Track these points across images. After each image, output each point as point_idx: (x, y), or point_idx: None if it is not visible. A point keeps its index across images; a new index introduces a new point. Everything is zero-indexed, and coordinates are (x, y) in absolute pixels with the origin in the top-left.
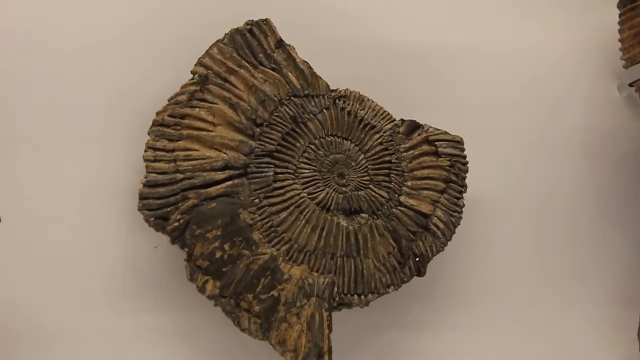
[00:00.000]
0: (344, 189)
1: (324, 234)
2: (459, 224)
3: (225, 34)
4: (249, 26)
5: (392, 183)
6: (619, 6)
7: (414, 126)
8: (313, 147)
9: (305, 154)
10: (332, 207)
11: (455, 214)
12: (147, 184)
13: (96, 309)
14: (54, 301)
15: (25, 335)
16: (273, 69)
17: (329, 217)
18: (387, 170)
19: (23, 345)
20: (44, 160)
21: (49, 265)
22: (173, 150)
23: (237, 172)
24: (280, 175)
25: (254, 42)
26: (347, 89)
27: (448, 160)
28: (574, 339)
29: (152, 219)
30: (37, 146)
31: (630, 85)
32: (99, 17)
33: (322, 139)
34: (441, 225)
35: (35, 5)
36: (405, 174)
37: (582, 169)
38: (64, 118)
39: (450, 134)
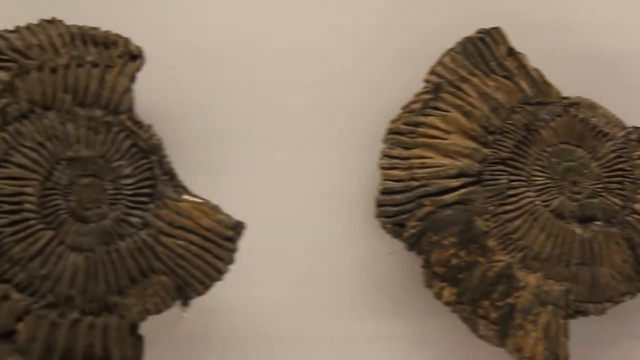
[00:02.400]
0: (577, 196)
1: (558, 241)
2: None
3: (457, 43)
4: (481, 34)
5: (626, 191)
6: None
7: None
8: (546, 154)
9: (538, 162)
10: (566, 215)
11: None
12: (384, 192)
13: (332, 314)
14: (291, 305)
15: (262, 339)
16: (505, 77)
17: (563, 225)
18: (620, 178)
19: (259, 349)
20: (281, 168)
21: (287, 269)
22: (408, 158)
23: (471, 179)
24: (514, 183)
25: (486, 50)
26: (578, 96)
27: None
28: None
29: (389, 225)
30: (274, 154)
31: None
32: (333, 26)
33: (554, 147)
34: None
35: (272, 9)
36: (639, 181)
37: None
38: (302, 128)
39: None
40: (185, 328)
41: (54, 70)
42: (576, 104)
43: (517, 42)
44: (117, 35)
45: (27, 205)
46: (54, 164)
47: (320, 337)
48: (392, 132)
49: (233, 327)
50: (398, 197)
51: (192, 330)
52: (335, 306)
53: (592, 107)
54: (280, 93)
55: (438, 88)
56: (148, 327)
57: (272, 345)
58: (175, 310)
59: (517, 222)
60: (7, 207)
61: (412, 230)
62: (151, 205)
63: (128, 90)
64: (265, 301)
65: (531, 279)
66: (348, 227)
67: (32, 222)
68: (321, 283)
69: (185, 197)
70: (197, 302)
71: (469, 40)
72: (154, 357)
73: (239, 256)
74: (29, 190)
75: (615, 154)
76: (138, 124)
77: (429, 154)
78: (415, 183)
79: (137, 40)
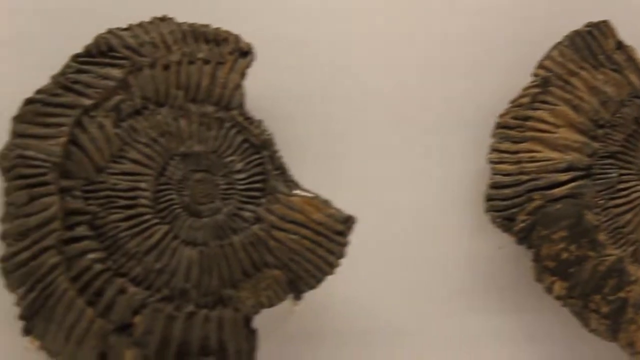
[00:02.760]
0: None
1: None
2: None
3: (566, 36)
4: (589, 28)
5: None
6: None
7: None
8: None
9: None
10: None
11: None
12: (493, 186)
13: (441, 308)
14: (400, 300)
15: (372, 333)
16: (614, 70)
17: None
18: None
19: (369, 343)
20: (390, 164)
21: (396, 264)
22: (517, 152)
23: (581, 173)
24: (624, 177)
25: (594, 44)
26: None
27: None
28: None
29: (499, 219)
30: (383, 150)
31: None
32: (443, 21)
33: None
34: None
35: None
36: None
37: None
38: (410, 124)
39: None
40: (297, 322)
41: (166, 67)
42: None
43: (626, 35)
44: (228, 32)
45: (142, 200)
46: (168, 159)
47: (429, 331)
48: (500, 126)
49: (343, 321)
50: (507, 191)
51: (303, 324)
52: (444, 300)
53: None
54: (390, 88)
55: (546, 82)
56: (260, 321)
57: (381, 339)
58: (286, 304)
59: (628, 216)
60: (122, 202)
61: (522, 225)
62: (263, 200)
63: (239, 86)
64: (375, 295)
65: None
66: (457, 221)
67: (147, 216)
68: (430, 277)
69: (297, 191)
70: (308, 296)
71: (577, 33)
72: (267, 350)
73: (349, 250)
74: (143, 185)
75: None
76: (249, 119)
77: (537, 147)
78: (525, 177)
79: (246, 37)
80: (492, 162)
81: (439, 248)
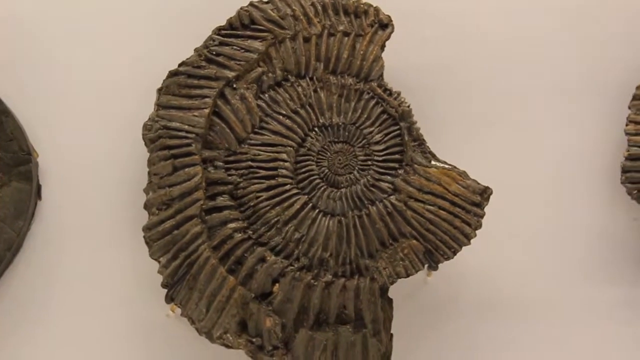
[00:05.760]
0: None
1: None
2: None
3: None
4: None
5: None
6: None
7: None
8: None
9: None
10: None
11: None
12: (630, 158)
13: (575, 280)
14: (534, 271)
15: (505, 303)
16: None
17: None
18: None
19: (503, 314)
20: (525, 134)
21: (531, 235)
22: None
23: None
24: None
25: None
26: None
27: None
28: None
29: (635, 191)
30: (519, 121)
31: None
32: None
33: None
34: None
35: None
36: None
37: None
38: (547, 94)
39: None
40: (431, 292)
41: (307, 40)
42: None
43: None
44: (368, 4)
45: (282, 171)
46: (307, 130)
47: (562, 302)
48: (637, 98)
49: (478, 291)
50: None
51: (437, 293)
52: (577, 272)
53: None
54: (525, 61)
55: None
56: (394, 291)
57: (514, 309)
58: (420, 274)
59: None
60: (263, 172)
61: None
62: (400, 171)
63: (378, 58)
64: (508, 266)
65: None
66: (592, 193)
67: (287, 187)
68: (565, 248)
69: (434, 163)
70: (442, 267)
71: None
72: (402, 319)
73: (484, 221)
74: (283, 156)
75: None
76: (388, 91)
77: None
78: None
79: (385, 9)
80: (628, 134)
81: (574, 219)
